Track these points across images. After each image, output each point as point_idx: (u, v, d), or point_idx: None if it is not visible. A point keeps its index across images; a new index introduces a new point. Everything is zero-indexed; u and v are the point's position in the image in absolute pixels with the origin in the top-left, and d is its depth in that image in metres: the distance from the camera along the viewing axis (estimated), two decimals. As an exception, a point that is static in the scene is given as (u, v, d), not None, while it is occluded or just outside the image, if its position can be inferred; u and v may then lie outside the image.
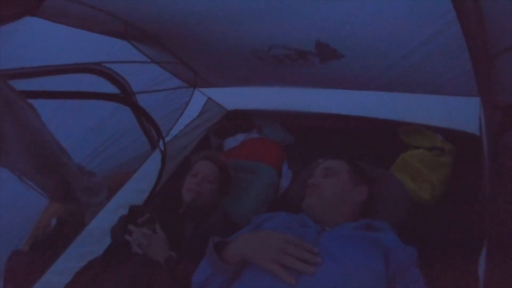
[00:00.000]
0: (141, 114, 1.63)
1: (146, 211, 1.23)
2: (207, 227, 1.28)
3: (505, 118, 0.69)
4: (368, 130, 1.77)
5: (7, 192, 1.13)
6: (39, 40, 1.01)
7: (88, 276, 1.11)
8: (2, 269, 1.21)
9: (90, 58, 1.27)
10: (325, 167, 1.16)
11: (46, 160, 0.87)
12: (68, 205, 1.29)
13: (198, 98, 2.07)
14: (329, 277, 0.78)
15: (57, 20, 0.97)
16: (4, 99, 0.74)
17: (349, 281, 0.78)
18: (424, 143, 1.57)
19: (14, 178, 1.15)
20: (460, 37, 0.83)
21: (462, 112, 1.32)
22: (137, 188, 1.76)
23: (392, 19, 0.86)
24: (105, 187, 1.11)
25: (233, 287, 0.84)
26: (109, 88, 1.42)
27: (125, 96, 1.49)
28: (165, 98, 1.77)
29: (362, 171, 1.20)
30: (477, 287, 0.84)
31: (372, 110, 1.69)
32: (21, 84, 0.90)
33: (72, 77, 1.22)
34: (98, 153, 1.51)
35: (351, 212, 1.07)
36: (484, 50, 0.74)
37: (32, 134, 0.82)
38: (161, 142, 1.84)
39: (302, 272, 0.78)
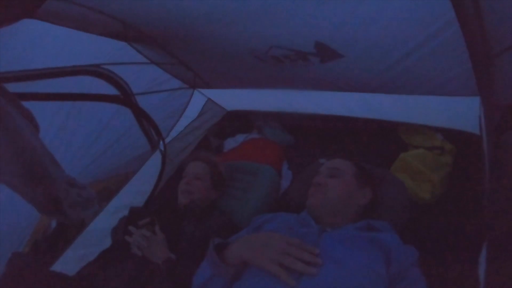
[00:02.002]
0: (141, 115, 1.63)
1: (146, 213, 1.23)
2: (207, 228, 1.28)
3: (505, 118, 0.69)
4: (368, 130, 1.77)
5: (7, 194, 1.13)
6: (38, 42, 1.01)
7: (87, 276, 1.11)
8: (2, 271, 1.21)
9: (89, 60, 1.27)
10: (331, 167, 1.15)
11: (34, 173, 0.84)
12: (55, 218, 1.28)
13: (198, 99, 2.07)
14: (329, 278, 0.78)
15: (56, 22, 0.96)
16: None
17: (350, 282, 0.77)
18: (424, 143, 1.57)
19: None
20: (459, 37, 0.83)
21: (462, 112, 1.31)
22: (138, 190, 1.76)
23: (391, 19, 0.86)
24: (96, 201, 1.09)
25: (233, 289, 0.84)
26: (109, 90, 1.42)
27: (125, 97, 1.49)
28: (165, 99, 1.77)
29: (368, 174, 1.19)
30: (478, 287, 0.84)
31: (372, 111, 1.69)
32: (20, 87, 0.90)
33: (71, 79, 1.22)
34: (98, 155, 1.50)
35: (354, 214, 1.07)
36: (484, 50, 0.74)
37: (22, 147, 0.80)
38: (161, 143, 1.84)
39: (303, 273, 0.78)
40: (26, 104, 0.87)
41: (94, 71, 1.31)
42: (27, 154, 0.81)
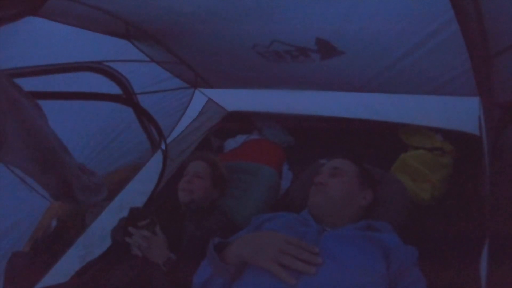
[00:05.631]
0: (143, 115, 1.63)
1: (146, 213, 1.23)
2: (207, 228, 1.28)
3: (504, 116, 0.69)
4: (368, 131, 1.78)
5: (8, 194, 1.14)
6: (41, 39, 1.02)
7: (87, 276, 1.11)
8: (3, 271, 1.21)
9: (91, 58, 1.28)
10: (333, 167, 1.15)
11: (47, 157, 0.87)
12: (67, 203, 1.29)
13: (199, 99, 2.07)
14: (329, 278, 0.78)
15: (58, 20, 0.97)
16: (8, 97, 0.74)
17: (350, 282, 0.77)
18: (424, 143, 1.57)
19: (15, 180, 1.15)
20: (459, 36, 0.83)
21: (462, 112, 1.32)
22: (138, 190, 1.76)
23: (391, 17, 0.86)
24: (105, 187, 1.11)
25: (233, 288, 0.84)
26: (110, 87, 1.42)
27: (127, 96, 1.49)
28: (165, 98, 1.78)
29: (369, 175, 1.19)
30: (479, 287, 0.84)
31: (372, 112, 1.70)
32: (22, 84, 0.91)
33: (73, 77, 1.22)
34: (98, 153, 1.51)
35: (354, 214, 1.07)
36: (483, 49, 0.74)
37: (34, 132, 0.83)
38: (162, 143, 1.84)
39: (302, 272, 0.78)
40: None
41: (97, 67, 1.32)
42: (40, 141, 0.84)
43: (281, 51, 1.20)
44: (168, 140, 1.91)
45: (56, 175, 0.91)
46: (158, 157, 1.83)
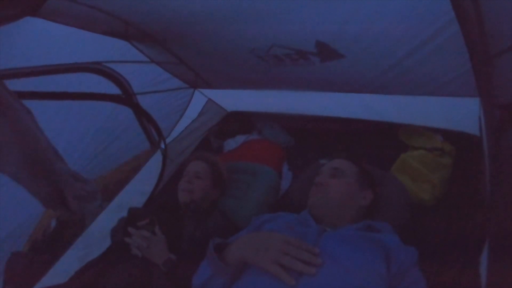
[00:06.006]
0: (142, 115, 1.63)
1: (146, 213, 1.23)
2: (207, 228, 1.28)
3: (505, 118, 0.69)
4: (368, 131, 1.78)
5: (7, 194, 1.13)
6: (40, 40, 1.02)
7: (87, 277, 1.11)
8: (2, 271, 1.21)
9: (91, 58, 1.28)
10: (333, 167, 1.15)
11: (39, 166, 0.86)
12: (59, 212, 1.29)
13: (198, 99, 2.07)
14: (329, 278, 0.78)
15: (58, 20, 0.98)
16: (0, 100, 0.73)
17: (350, 282, 0.77)
18: (424, 144, 1.57)
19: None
20: (459, 38, 0.83)
21: (462, 113, 1.32)
22: (138, 190, 1.76)
23: (391, 19, 0.87)
24: (99, 195, 1.10)
25: (233, 289, 0.84)
26: (110, 88, 1.42)
27: (126, 96, 1.49)
28: (165, 98, 1.78)
29: (369, 175, 1.19)
30: (479, 287, 0.84)
31: (372, 113, 1.70)
32: (22, 84, 0.91)
33: (72, 77, 1.22)
34: (98, 154, 1.50)
35: (354, 214, 1.07)
36: (484, 50, 0.74)
37: (27, 139, 0.81)
38: (162, 143, 1.84)
39: (302, 273, 0.78)
40: (25, 102, 0.87)
41: (96, 68, 1.32)
42: (31, 147, 0.83)
43: (281, 55, 1.20)
44: (168, 140, 1.91)
45: (47, 183, 0.90)
46: (157, 157, 1.83)
